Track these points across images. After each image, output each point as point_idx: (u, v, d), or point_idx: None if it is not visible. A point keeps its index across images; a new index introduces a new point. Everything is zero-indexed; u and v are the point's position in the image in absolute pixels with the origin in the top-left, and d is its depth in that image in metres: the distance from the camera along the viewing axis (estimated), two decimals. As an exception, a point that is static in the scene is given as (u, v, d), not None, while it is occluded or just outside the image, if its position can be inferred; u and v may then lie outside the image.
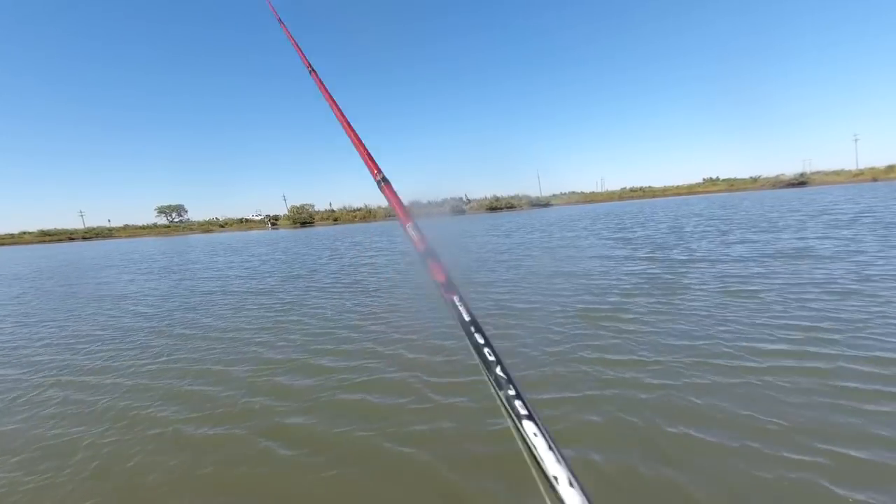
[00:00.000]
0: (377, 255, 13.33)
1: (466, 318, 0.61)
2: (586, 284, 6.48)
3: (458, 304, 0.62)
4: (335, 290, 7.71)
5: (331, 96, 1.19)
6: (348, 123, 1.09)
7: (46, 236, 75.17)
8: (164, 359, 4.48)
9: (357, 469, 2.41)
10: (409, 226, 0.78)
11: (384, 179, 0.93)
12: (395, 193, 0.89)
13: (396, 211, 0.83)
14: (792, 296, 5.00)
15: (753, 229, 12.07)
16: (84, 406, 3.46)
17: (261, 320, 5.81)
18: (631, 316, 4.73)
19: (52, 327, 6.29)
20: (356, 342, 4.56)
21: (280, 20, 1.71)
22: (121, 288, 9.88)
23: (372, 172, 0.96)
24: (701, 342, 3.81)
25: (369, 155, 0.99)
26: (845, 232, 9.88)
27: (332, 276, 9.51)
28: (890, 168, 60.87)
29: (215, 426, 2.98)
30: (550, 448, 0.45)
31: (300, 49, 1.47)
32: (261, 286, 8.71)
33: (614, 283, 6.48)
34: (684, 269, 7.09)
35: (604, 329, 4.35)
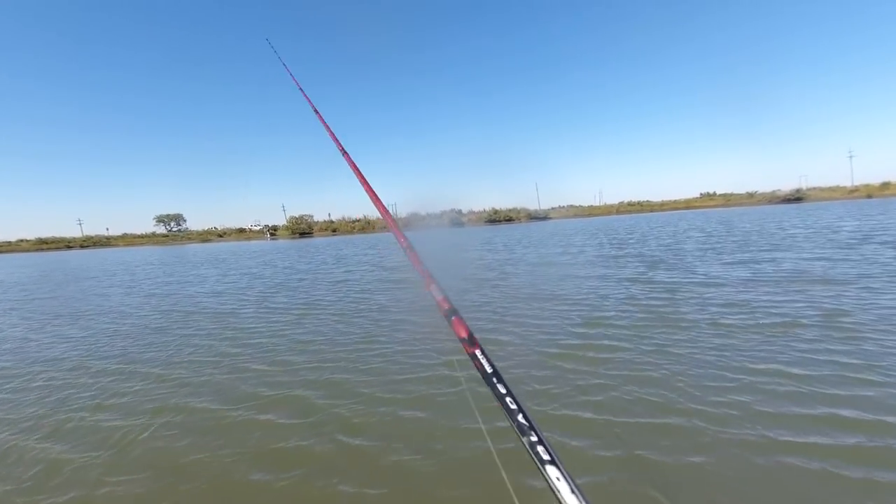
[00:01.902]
0: (361, 271, 12.93)
1: (489, 369, 0.64)
2: (577, 311, 6.08)
3: (480, 357, 0.66)
4: (308, 312, 7.30)
5: (362, 176, 1.41)
6: (377, 198, 1.31)
7: (44, 244, 74.84)
8: (65, 393, 4.03)
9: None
10: (433, 287, 0.83)
11: (410, 247, 1.02)
12: (417, 258, 0.96)
13: (422, 275, 0.89)
14: (818, 330, 4.60)
15: (761, 248, 11.71)
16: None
17: (203, 348, 5.38)
18: (619, 353, 4.31)
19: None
20: (296, 386, 4.13)
21: (315, 109, 1.94)
22: (86, 304, 9.46)
23: (399, 240, 1.07)
24: (710, 390, 3.39)
25: (394, 222, 1.13)
26: (858, 251, 9.49)
27: (308, 294, 9.11)
28: (885, 185, 60.87)
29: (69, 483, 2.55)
30: (573, 492, 0.46)
31: (333, 134, 1.69)
32: (226, 306, 8.31)
33: (605, 310, 6.07)
34: (685, 295, 6.69)
35: (596, 366, 3.93)
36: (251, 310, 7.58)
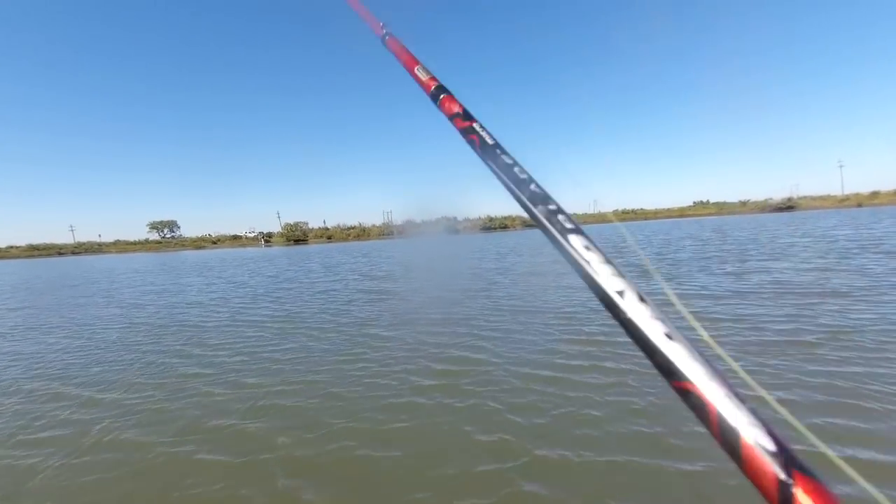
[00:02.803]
0: (349, 280, 12.63)
1: (490, 141, 0.59)
2: (565, 327, 5.83)
3: (478, 129, 0.60)
4: (284, 327, 7.00)
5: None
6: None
7: (35, 251, 73.92)
8: None
9: None
10: (416, 69, 0.77)
11: (388, 34, 0.90)
12: (400, 45, 0.85)
13: (403, 60, 0.81)
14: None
15: (758, 258, 11.53)
16: None
17: (154, 366, 5.06)
18: (611, 376, 4.05)
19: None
20: (242, 416, 3.83)
21: None
22: (50, 317, 9.10)
23: (375, 29, 0.96)
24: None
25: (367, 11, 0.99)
26: (858, 261, 9.33)
27: (289, 306, 8.80)
28: (874, 194, 61.63)
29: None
30: (607, 262, 0.38)
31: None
32: (199, 318, 8.00)
33: (594, 325, 5.83)
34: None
35: (585, 392, 3.66)
36: (224, 323, 7.26)
